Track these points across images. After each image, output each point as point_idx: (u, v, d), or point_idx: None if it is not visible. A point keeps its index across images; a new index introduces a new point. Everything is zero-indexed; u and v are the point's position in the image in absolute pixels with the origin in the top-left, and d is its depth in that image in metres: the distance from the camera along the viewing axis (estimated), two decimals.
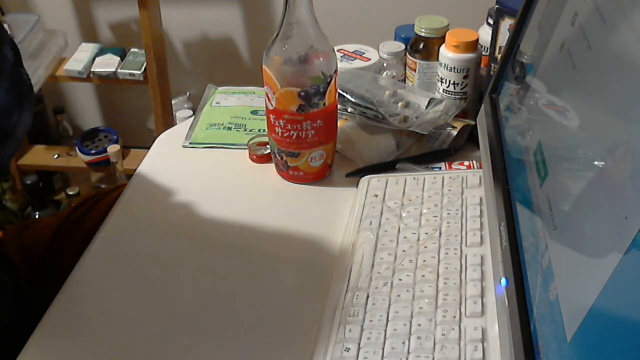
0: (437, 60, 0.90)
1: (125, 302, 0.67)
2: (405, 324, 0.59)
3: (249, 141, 0.88)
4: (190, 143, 0.91)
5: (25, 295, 0.79)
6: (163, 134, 0.96)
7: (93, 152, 1.88)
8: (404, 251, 0.67)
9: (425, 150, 0.86)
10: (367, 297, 0.62)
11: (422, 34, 0.91)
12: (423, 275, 0.64)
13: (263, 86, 0.77)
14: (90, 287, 0.70)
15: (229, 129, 0.93)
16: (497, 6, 0.86)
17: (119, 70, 1.80)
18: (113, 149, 1.81)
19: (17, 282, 0.79)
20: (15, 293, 0.78)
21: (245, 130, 0.92)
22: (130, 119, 2.12)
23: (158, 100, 1.80)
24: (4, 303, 0.76)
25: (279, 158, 0.81)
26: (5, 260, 0.81)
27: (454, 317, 0.59)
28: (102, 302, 0.68)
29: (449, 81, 0.89)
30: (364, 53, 0.97)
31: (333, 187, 0.82)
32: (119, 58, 1.83)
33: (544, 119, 0.61)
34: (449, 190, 0.74)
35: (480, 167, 0.77)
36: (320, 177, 0.82)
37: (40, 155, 1.95)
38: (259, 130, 0.91)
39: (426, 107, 0.87)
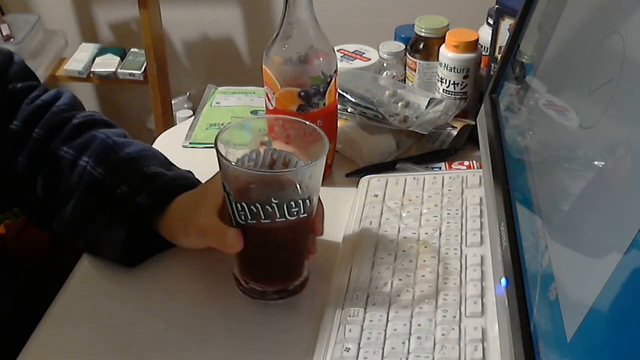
0: (437, 60, 0.90)
1: (126, 301, 0.67)
2: (405, 324, 0.59)
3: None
4: (190, 143, 0.91)
5: (25, 295, 0.79)
6: (163, 134, 0.96)
7: None
8: (404, 251, 0.67)
9: (425, 150, 0.86)
10: (367, 297, 0.62)
11: (422, 34, 0.91)
12: (423, 275, 0.64)
13: (263, 86, 0.77)
14: (90, 287, 0.70)
15: None
16: (497, 6, 0.86)
17: (119, 70, 1.80)
18: None
19: (18, 281, 0.79)
20: (15, 292, 0.78)
21: None
22: (130, 119, 2.12)
23: (158, 100, 1.80)
24: (4, 303, 0.76)
25: None
26: (6, 258, 0.81)
27: (454, 317, 0.59)
28: (102, 302, 0.68)
29: (449, 81, 0.89)
30: (364, 53, 0.97)
31: (333, 187, 0.82)
32: (119, 58, 1.83)
33: (544, 119, 0.61)
34: (449, 190, 0.74)
35: (480, 167, 0.77)
36: None
37: None
38: None
39: (426, 107, 0.87)
